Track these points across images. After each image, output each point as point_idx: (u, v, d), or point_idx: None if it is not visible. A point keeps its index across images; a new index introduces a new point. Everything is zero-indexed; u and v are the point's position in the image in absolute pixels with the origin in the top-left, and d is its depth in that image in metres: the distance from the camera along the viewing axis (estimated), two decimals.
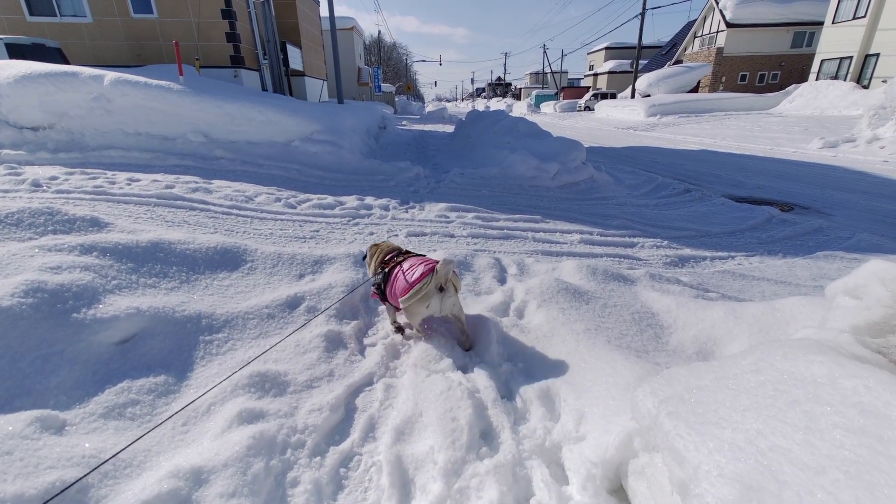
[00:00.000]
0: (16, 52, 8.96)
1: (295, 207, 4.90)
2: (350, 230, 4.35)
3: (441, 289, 2.00)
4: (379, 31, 64.13)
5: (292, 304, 2.51)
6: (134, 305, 2.09)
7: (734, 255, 4.38)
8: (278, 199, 5.06)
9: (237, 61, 12.29)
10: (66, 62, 10.09)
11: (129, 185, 4.90)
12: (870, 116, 11.65)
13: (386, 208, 5.12)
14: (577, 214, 5.51)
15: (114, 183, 4.93)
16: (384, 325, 2.55)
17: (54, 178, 4.99)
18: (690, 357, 2.08)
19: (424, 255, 2.31)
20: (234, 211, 4.52)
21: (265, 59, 12.63)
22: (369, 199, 5.31)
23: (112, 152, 6.39)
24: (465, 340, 2.25)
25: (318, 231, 4.23)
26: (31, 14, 11.59)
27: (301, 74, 16.81)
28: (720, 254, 4.41)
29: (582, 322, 2.21)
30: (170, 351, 1.99)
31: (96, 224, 3.01)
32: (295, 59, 16.14)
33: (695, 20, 35.13)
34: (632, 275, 3.13)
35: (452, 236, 4.31)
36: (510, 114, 10.72)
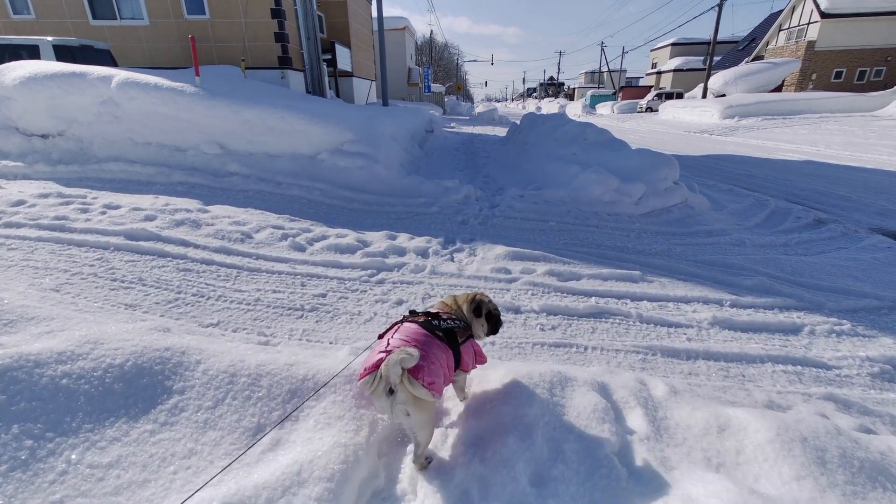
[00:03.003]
0: (64, 53, 8.59)
1: (304, 250, 3.67)
2: (369, 294, 3.03)
3: (391, 391, 1.50)
4: (431, 31, 63.38)
5: None
6: None
7: None
8: (285, 237, 3.85)
9: (285, 62, 11.68)
10: (115, 64, 9.69)
11: (103, 214, 3.85)
12: None
13: (424, 253, 3.75)
14: (683, 263, 3.94)
15: (85, 211, 3.90)
16: None
17: (20, 202, 4.04)
18: None
19: (431, 333, 1.66)
20: (219, 257, 3.34)
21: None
22: (402, 238, 3.98)
23: (113, 166, 5.48)
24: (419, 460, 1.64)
25: (324, 296, 2.95)
26: (94, 17, 11.63)
27: (349, 75, 16.15)
28: None
29: None
30: None
31: None
32: (344, 59, 15.46)
33: (780, 11, 31.49)
34: (888, 461, 1.60)
35: (518, 312, 2.88)
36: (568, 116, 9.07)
